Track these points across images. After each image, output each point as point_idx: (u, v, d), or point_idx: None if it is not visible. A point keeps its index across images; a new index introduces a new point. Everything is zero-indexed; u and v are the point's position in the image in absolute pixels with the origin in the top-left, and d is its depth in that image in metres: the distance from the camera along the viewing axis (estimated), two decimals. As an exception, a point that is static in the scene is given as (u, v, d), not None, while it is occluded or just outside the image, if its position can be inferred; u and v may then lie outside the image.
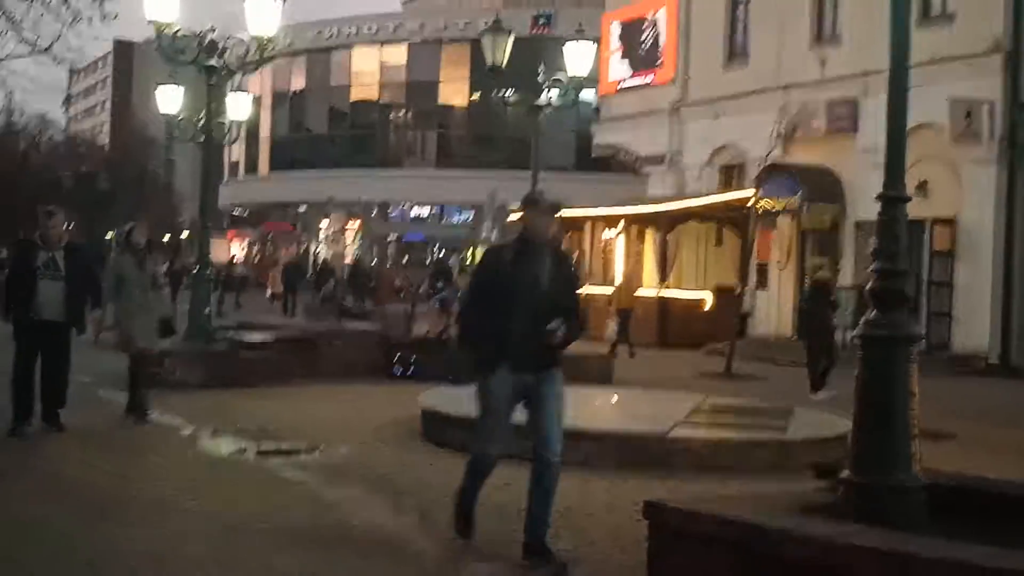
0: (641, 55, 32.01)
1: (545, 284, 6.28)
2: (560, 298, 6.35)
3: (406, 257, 62.74)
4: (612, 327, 23.41)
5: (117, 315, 10.90)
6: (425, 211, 62.03)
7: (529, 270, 6.30)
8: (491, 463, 6.59)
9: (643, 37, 31.92)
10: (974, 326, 21.55)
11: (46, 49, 26.63)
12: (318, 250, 56.55)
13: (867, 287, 5.57)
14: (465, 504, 6.69)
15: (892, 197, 5.50)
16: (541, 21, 52.02)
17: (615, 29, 32.96)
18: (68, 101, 58.49)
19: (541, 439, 6.34)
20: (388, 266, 45.93)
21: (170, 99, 21.90)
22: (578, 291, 6.86)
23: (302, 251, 61.52)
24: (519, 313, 6.21)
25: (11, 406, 9.91)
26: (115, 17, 27.07)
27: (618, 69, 32.87)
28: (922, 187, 21.15)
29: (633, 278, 26.13)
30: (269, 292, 39.76)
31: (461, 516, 6.70)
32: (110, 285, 10.81)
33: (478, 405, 6.53)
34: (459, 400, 11.37)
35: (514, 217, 36.65)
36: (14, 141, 68.36)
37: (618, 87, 32.92)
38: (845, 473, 5.41)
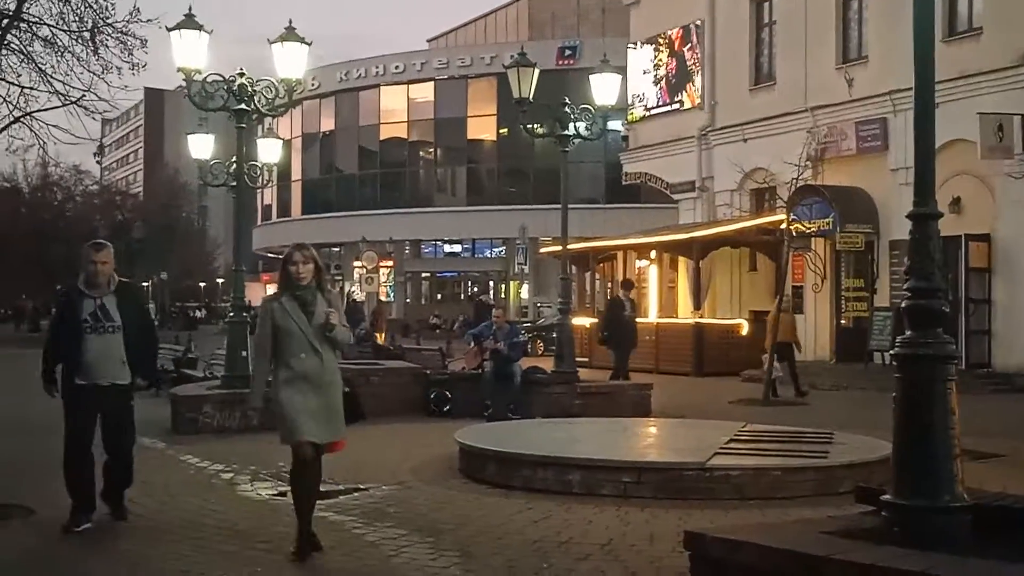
0: (667, 82, 32.03)
1: None
2: None
3: (439, 294, 63.05)
4: (773, 363, 20.05)
5: (272, 390, 7.33)
6: (457, 247, 62.28)
7: None
8: None
9: (669, 64, 31.94)
10: (1014, 343, 21.31)
11: (77, 100, 27.15)
12: (352, 290, 56.80)
13: (902, 306, 5.53)
14: None
15: (923, 214, 5.46)
16: (567, 53, 52.28)
17: (641, 57, 32.98)
18: (101, 151, 59.15)
19: None
20: (381, 301, 46.70)
21: (201, 145, 22.15)
22: None
23: (337, 291, 61.86)
24: None
25: (69, 497, 8.03)
26: (144, 67, 27.62)
27: (645, 97, 32.88)
28: (956, 203, 21.01)
29: (788, 306, 21.54)
30: None
31: None
32: (261, 342, 7.35)
33: None
34: (496, 436, 11.39)
35: (546, 250, 36.72)
36: (50, 193, 69.24)
37: (646, 115, 32.93)
38: (887, 496, 5.35)
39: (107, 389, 7.98)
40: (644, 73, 32.66)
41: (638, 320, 22.11)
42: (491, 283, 61.26)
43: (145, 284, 70.40)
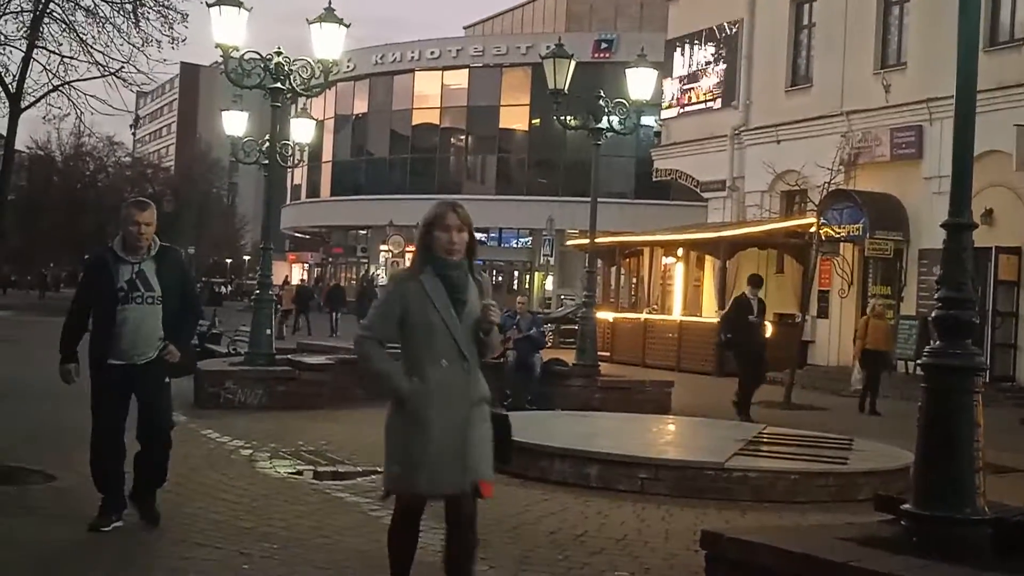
0: (703, 79, 31.90)
1: None
2: None
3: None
4: (857, 374, 18.76)
5: (391, 407, 5.12)
6: (484, 236, 62.33)
7: None
8: None
9: (705, 61, 31.81)
10: (1040, 358, 21.15)
11: (116, 72, 27.32)
12: (377, 273, 56.98)
13: (932, 316, 5.50)
14: None
15: (958, 224, 5.42)
16: (603, 46, 52.11)
17: (677, 53, 32.87)
18: (136, 123, 59.47)
19: None
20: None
21: (235, 122, 22.25)
22: None
23: (363, 274, 62.13)
24: None
25: (97, 490, 7.19)
26: (184, 41, 27.76)
27: (680, 94, 32.77)
28: (988, 215, 20.86)
29: (881, 311, 19.76)
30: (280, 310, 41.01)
31: None
32: (379, 328, 5.13)
33: None
34: (514, 426, 11.37)
35: (572, 242, 36.67)
36: (83, 163, 69.68)
37: (679, 112, 32.81)
38: (907, 505, 5.32)
39: (141, 368, 6.97)
40: (682, 69, 32.55)
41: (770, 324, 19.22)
42: (515, 272, 61.27)
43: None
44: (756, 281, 17.75)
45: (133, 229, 7.01)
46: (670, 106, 32.97)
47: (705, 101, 31.75)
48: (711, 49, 31.54)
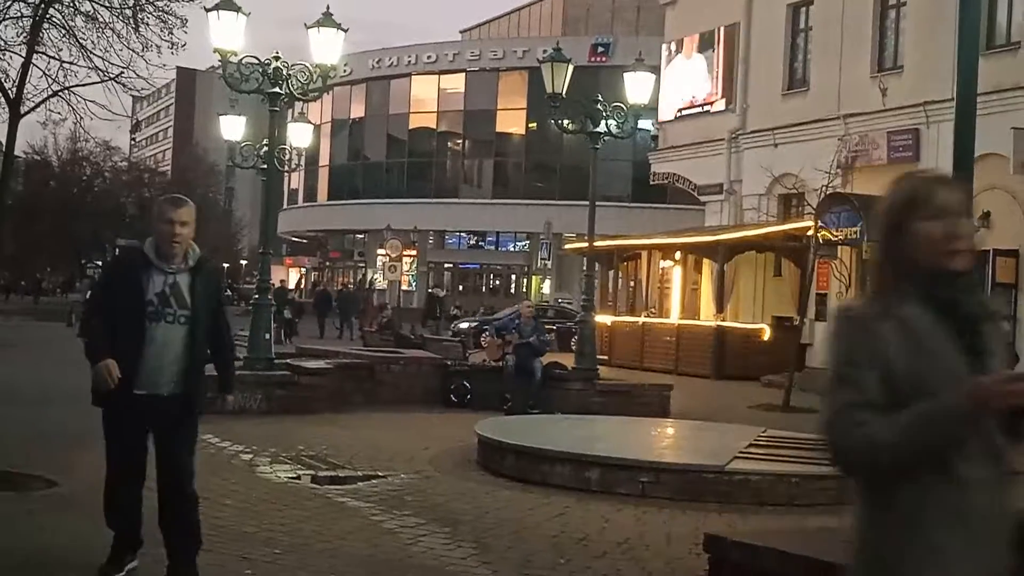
0: (700, 83, 31.94)
1: None
2: None
3: (460, 286, 63.12)
4: None
5: (876, 544, 2.72)
6: (480, 239, 62.35)
7: None
8: None
9: (702, 65, 31.84)
10: (1039, 360, 21.14)
11: (115, 77, 27.28)
12: (374, 277, 56.99)
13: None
14: None
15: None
16: (599, 49, 52.15)
17: (674, 56, 32.90)
18: (137, 127, 59.51)
19: None
20: (368, 290, 48.83)
21: (232, 127, 22.25)
22: None
23: (359, 278, 62.15)
24: None
25: (111, 529, 6.18)
26: (184, 46, 27.72)
27: (676, 97, 32.79)
28: (985, 218, 20.88)
29: None
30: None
31: None
32: (861, 392, 2.62)
33: None
34: (515, 429, 11.40)
35: (570, 246, 36.69)
36: (79, 167, 69.64)
37: (676, 115, 32.83)
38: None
39: (166, 401, 5.80)
40: (679, 74, 32.58)
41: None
42: (513, 277, 61.34)
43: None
44: None
45: (166, 228, 5.78)
46: (667, 109, 32.86)
47: (702, 105, 31.78)
48: (708, 52, 31.56)
